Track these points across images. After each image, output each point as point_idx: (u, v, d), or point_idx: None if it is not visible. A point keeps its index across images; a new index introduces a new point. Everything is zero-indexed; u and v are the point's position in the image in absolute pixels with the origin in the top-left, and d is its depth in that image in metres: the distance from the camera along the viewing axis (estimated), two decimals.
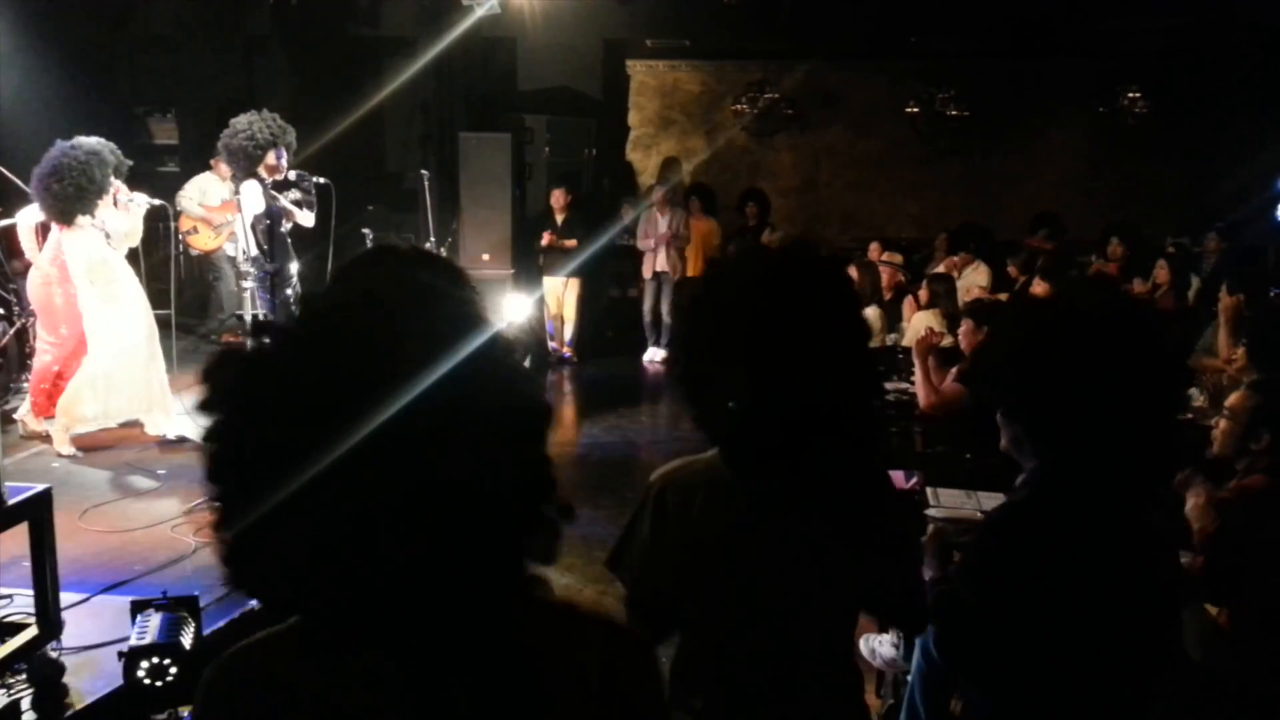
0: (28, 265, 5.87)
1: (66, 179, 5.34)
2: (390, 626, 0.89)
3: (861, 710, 1.86)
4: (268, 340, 0.92)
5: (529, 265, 9.50)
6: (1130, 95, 10.95)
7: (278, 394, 0.87)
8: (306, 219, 6.30)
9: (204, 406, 0.90)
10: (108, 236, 5.61)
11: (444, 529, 0.86)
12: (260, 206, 6.01)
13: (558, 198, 9.29)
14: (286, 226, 6.20)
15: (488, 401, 0.89)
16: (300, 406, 0.85)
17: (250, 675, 0.99)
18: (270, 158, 5.99)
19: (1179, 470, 2.65)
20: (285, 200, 6.13)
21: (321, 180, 6.33)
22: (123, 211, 5.70)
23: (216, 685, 1.00)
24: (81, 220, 5.50)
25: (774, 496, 1.67)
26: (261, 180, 6.00)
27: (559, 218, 9.28)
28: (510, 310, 8.29)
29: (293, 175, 6.26)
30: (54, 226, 5.57)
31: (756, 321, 1.59)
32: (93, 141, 5.51)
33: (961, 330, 5.09)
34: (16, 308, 6.47)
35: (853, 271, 6.93)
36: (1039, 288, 6.09)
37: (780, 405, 1.58)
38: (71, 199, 5.40)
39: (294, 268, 6.27)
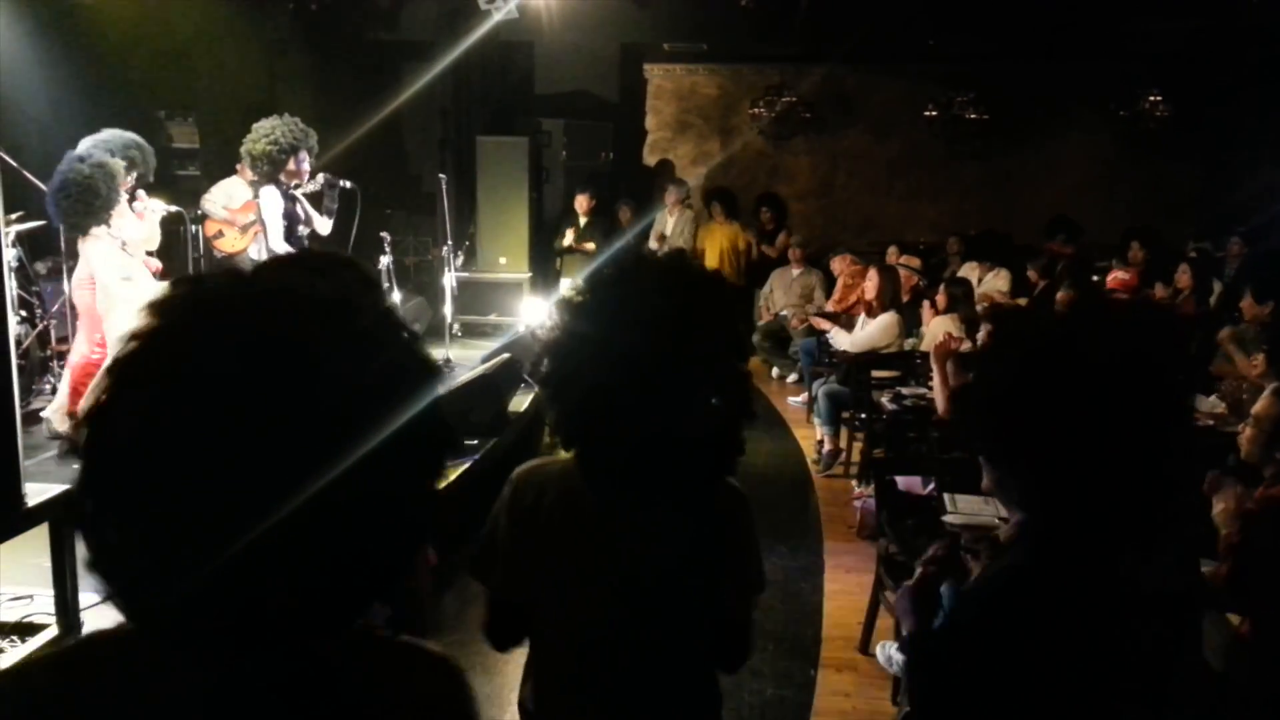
0: (51, 268, 5.91)
1: (72, 193, 5.24)
2: (210, 631, 0.89)
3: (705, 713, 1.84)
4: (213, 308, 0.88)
5: (546, 269, 9.52)
6: (1150, 98, 10.85)
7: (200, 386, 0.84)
8: (324, 226, 6.33)
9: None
10: (124, 244, 5.62)
11: (315, 558, 0.86)
12: (279, 211, 6.05)
13: (581, 202, 9.30)
14: (305, 231, 6.24)
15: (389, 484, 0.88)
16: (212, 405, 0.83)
17: (38, 689, 0.96)
18: (292, 163, 6.01)
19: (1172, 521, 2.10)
20: (305, 204, 6.16)
21: (348, 184, 6.35)
22: (138, 219, 5.69)
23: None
24: (96, 231, 5.47)
25: (625, 502, 1.70)
26: (281, 185, 6.03)
27: (582, 221, 9.29)
28: (527, 314, 8.30)
29: (320, 179, 6.27)
30: None
31: (647, 331, 1.60)
32: (102, 154, 5.37)
33: (981, 335, 5.07)
34: (39, 310, 6.51)
35: (874, 275, 6.90)
36: (1064, 296, 6.03)
37: (662, 417, 1.59)
38: (80, 214, 5.31)
39: None
